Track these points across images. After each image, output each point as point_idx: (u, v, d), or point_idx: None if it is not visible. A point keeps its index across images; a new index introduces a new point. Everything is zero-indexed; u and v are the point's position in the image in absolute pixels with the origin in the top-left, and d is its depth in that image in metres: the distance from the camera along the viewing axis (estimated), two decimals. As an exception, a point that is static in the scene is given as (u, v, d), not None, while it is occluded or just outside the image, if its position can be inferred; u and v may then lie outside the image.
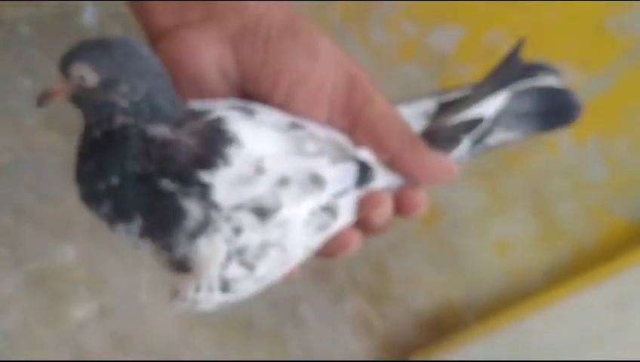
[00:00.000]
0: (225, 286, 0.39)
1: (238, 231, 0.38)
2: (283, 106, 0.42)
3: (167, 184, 0.38)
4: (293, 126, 0.42)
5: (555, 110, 0.46)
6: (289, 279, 0.44)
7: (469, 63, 0.84)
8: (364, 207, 0.42)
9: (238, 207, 0.39)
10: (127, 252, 0.75)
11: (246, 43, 0.42)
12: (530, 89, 0.46)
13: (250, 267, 0.39)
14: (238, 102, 0.42)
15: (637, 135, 0.81)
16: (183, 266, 0.39)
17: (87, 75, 0.37)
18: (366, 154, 0.43)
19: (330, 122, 0.43)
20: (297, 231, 0.40)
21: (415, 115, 0.45)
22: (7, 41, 1.00)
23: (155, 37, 0.43)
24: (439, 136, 0.44)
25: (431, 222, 0.97)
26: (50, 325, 0.83)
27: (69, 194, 0.40)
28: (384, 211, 0.43)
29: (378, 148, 0.43)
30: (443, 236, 1.00)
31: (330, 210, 0.41)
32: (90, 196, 0.38)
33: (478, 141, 0.45)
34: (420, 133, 0.45)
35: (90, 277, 0.89)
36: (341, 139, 0.43)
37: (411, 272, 1.04)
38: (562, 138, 0.81)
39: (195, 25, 0.43)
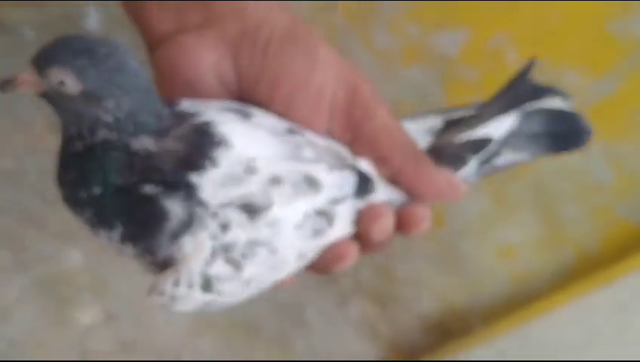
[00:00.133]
0: (207, 284, 0.37)
1: (225, 227, 0.37)
2: (281, 114, 0.41)
3: (150, 188, 0.37)
4: (291, 131, 0.41)
5: (564, 133, 0.45)
6: (293, 282, 0.43)
7: (473, 66, 0.84)
8: (364, 220, 0.41)
9: (227, 204, 0.37)
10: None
11: (245, 49, 0.41)
12: (538, 110, 0.45)
13: (236, 265, 0.38)
14: (234, 105, 0.41)
15: (642, 137, 0.81)
16: (166, 267, 0.38)
17: (69, 82, 0.35)
18: (366, 165, 0.41)
19: (330, 133, 0.42)
20: (289, 233, 0.39)
21: (420, 130, 0.44)
22: (12, 45, 1.00)
23: (154, 42, 0.43)
24: (445, 154, 0.43)
25: (435, 225, 0.97)
26: (56, 329, 0.83)
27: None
28: (384, 226, 0.41)
29: (380, 161, 0.42)
30: (448, 239, 1.00)
31: (325, 215, 0.40)
32: (72, 201, 0.38)
33: (485, 161, 0.44)
34: (425, 150, 0.43)
35: (96, 282, 0.89)
36: (341, 149, 0.42)
37: (416, 275, 1.04)
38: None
39: (193, 30, 0.42)
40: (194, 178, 0.37)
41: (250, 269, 0.38)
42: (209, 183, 0.37)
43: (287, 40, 0.41)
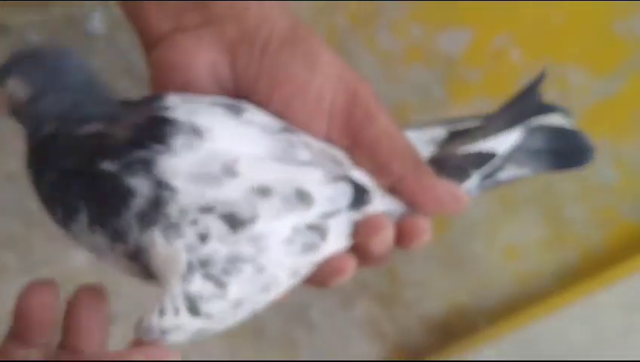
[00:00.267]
0: (193, 306, 0.35)
1: (203, 238, 0.35)
2: (279, 117, 0.40)
3: (107, 165, 0.36)
4: (286, 130, 0.40)
5: (567, 151, 0.44)
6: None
7: (477, 66, 0.84)
8: (362, 232, 0.39)
9: (207, 211, 0.36)
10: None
11: (243, 50, 0.40)
12: (540, 127, 0.44)
13: (218, 283, 0.35)
14: (227, 100, 0.40)
15: (646, 137, 0.81)
16: (138, 260, 0.36)
17: (19, 89, 0.37)
18: (362, 175, 0.40)
19: (328, 137, 0.40)
20: (277, 249, 0.37)
21: (423, 140, 0.43)
22: (14, 48, 1.00)
23: (152, 42, 0.42)
24: (448, 165, 0.42)
25: (440, 226, 0.97)
26: (60, 331, 0.84)
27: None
28: (384, 238, 0.39)
29: (379, 170, 0.40)
30: (453, 240, 0.99)
31: (317, 229, 0.38)
32: (44, 201, 0.38)
33: (488, 176, 0.43)
34: (427, 160, 0.42)
35: (101, 283, 0.89)
36: (338, 153, 0.40)
37: (421, 276, 1.04)
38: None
39: (191, 30, 0.41)
40: (145, 154, 0.36)
41: (236, 288, 0.36)
42: (168, 166, 0.36)
43: (286, 42, 0.40)
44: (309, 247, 0.38)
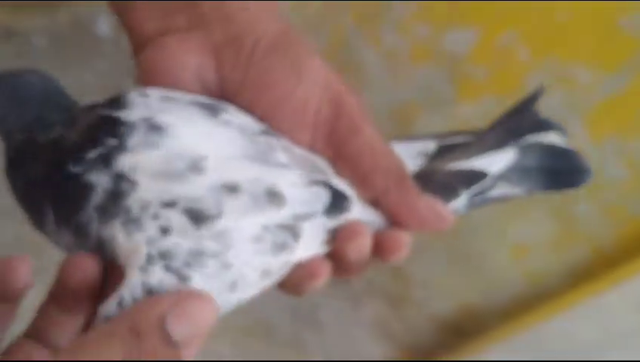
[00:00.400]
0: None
1: (164, 231, 0.35)
2: (261, 122, 0.40)
3: (68, 166, 0.36)
4: (267, 133, 0.39)
5: (562, 171, 0.43)
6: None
7: (483, 64, 0.84)
8: (339, 237, 0.38)
9: (169, 205, 0.35)
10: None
11: (229, 55, 0.40)
12: (535, 144, 0.43)
13: (180, 275, 0.35)
14: (206, 99, 0.40)
15: (655, 133, 0.81)
16: (103, 253, 0.36)
17: None
18: (342, 182, 0.39)
19: (312, 148, 0.40)
20: (244, 248, 0.36)
21: (412, 152, 0.42)
22: (23, 53, 1.01)
23: (141, 43, 0.42)
24: (436, 181, 0.41)
25: (448, 224, 0.96)
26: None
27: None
28: (361, 245, 0.38)
29: (361, 183, 0.39)
30: (461, 239, 0.99)
31: (290, 229, 0.37)
32: (22, 210, 0.39)
33: (477, 194, 0.42)
34: (415, 173, 0.41)
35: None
36: (321, 162, 0.40)
37: (430, 276, 1.04)
38: (578, 138, 0.81)
39: (179, 32, 0.40)
40: (102, 150, 0.36)
41: (200, 282, 0.35)
42: (126, 161, 0.36)
43: (273, 49, 0.40)
44: (280, 247, 0.37)
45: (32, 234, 0.40)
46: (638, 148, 0.81)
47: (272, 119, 0.40)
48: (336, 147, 0.40)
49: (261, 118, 0.40)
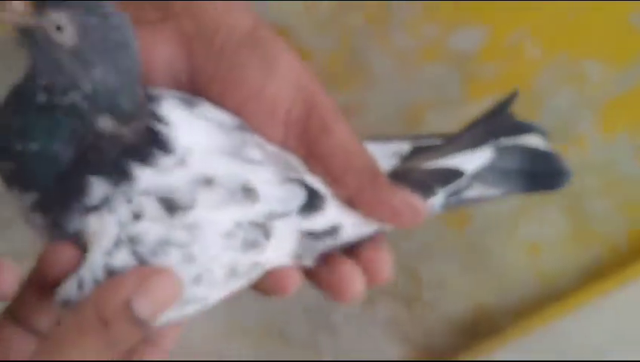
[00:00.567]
0: None
1: (137, 216, 0.35)
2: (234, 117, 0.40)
3: (84, 167, 0.35)
4: (241, 128, 0.39)
5: (541, 173, 0.43)
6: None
7: (493, 63, 0.83)
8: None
9: (145, 193, 0.35)
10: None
11: (201, 49, 0.40)
12: (514, 147, 0.43)
13: (143, 262, 0.34)
14: (180, 93, 0.39)
15: (668, 128, 0.80)
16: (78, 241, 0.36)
17: (68, 32, 0.33)
18: (317, 181, 0.39)
19: (285, 147, 0.40)
20: (214, 241, 0.36)
21: (386, 153, 0.42)
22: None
23: None
24: (411, 179, 0.41)
25: (461, 224, 0.96)
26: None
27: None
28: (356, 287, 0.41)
29: (334, 183, 0.39)
30: (473, 239, 0.99)
31: (262, 227, 0.37)
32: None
33: (453, 194, 0.42)
34: (389, 172, 0.41)
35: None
36: (293, 160, 0.39)
37: (443, 276, 1.03)
38: (592, 133, 0.80)
39: (150, 24, 0.40)
40: (136, 170, 0.35)
41: None
42: (147, 176, 0.35)
43: (245, 44, 0.39)
44: (250, 244, 0.37)
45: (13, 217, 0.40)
46: (652, 144, 0.81)
47: (241, 115, 0.39)
48: (309, 146, 0.39)
49: (231, 112, 0.39)
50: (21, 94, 0.36)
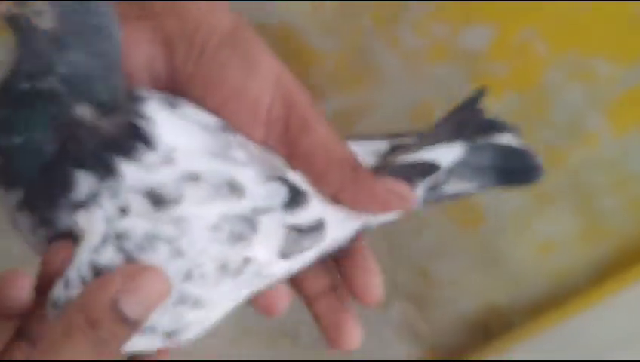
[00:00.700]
0: None
1: (123, 211, 0.35)
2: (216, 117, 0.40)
3: (66, 158, 0.34)
4: (224, 129, 0.39)
5: (515, 169, 0.44)
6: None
7: (501, 61, 0.83)
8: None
9: (131, 188, 0.35)
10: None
11: (181, 48, 0.40)
12: (487, 145, 0.44)
13: (129, 259, 0.34)
14: (161, 94, 0.39)
15: (679, 124, 0.80)
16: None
17: (46, 16, 0.33)
18: (299, 177, 0.40)
19: (267, 146, 0.40)
20: (201, 235, 0.35)
21: (366, 150, 0.43)
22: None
23: None
24: (390, 172, 0.41)
25: (472, 224, 0.96)
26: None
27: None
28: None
29: (317, 181, 0.40)
30: (485, 238, 0.99)
31: (248, 221, 0.37)
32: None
33: (432, 188, 0.42)
34: (369, 168, 0.41)
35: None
36: (275, 158, 0.40)
37: (455, 275, 1.03)
38: (601, 130, 0.80)
39: (129, 22, 0.40)
40: (121, 165, 0.35)
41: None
42: (132, 172, 0.35)
43: (225, 44, 0.39)
44: (237, 237, 0.37)
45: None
46: (663, 140, 0.81)
47: (222, 114, 0.40)
48: (290, 145, 0.40)
49: (211, 112, 0.40)
50: (5, 89, 0.36)
